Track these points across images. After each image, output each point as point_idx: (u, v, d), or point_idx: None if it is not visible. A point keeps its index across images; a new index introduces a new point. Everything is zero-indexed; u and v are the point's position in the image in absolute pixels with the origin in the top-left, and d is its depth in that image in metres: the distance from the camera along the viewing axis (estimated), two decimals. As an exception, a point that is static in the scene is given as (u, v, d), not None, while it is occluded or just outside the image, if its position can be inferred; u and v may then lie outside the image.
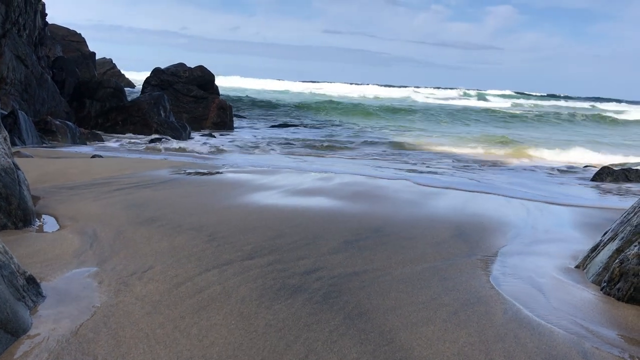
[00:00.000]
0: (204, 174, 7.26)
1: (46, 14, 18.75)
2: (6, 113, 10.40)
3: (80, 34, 33.26)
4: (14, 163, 4.16)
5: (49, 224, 4.31)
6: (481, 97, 66.35)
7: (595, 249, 3.97)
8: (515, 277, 3.68)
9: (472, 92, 72.96)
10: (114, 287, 3.02)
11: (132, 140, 13.63)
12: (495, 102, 56.20)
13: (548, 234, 5.04)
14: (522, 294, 3.34)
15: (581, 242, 4.70)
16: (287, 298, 2.99)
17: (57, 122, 12.06)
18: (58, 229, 4.15)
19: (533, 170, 11.78)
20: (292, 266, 3.50)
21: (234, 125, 20.20)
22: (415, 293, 3.20)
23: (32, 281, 2.80)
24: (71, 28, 33.23)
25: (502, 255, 4.17)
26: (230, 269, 3.36)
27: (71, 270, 3.23)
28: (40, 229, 4.13)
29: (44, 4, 18.65)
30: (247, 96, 37.74)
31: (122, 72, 43.97)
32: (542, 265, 4.00)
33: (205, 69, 20.37)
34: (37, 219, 4.28)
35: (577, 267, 3.97)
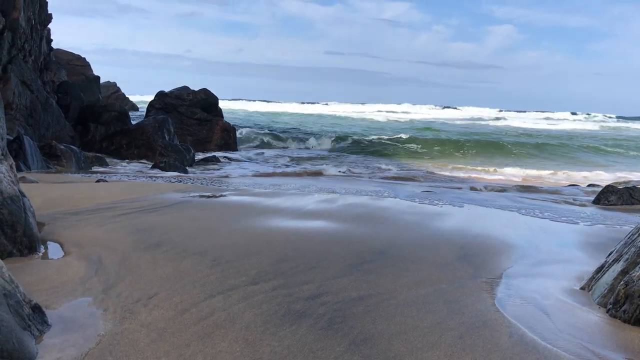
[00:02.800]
0: (208, 197, 7.28)
1: (51, 40, 19.00)
2: (12, 138, 10.48)
3: (84, 58, 33.66)
4: (19, 190, 4.19)
5: (54, 250, 4.33)
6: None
7: (600, 270, 3.97)
8: (520, 299, 3.67)
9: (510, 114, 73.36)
10: (120, 314, 3.03)
11: (139, 168, 13.70)
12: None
13: (552, 255, 5.03)
14: (527, 317, 3.33)
15: (586, 262, 4.69)
16: (292, 324, 2.99)
17: (62, 147, 12.14)
18: (63, 256, 4.17)
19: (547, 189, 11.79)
20: (297, 291, 3.50)
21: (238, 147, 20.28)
22: (421, 317, 3.20)
23: (37, 310, 2.81)
24: (76, 52, 33.61)
25: (507, 277, 4.16)
26: (235, 294, 3.36)
27: (77, 298, 3.24)
28: (46, 256, 4.15)
29: (49, 30, 18.90)
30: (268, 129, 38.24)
31: (127, 95, 44.38)
32: (547, 286, 3.99)
33: (209, 91, 20.55)
34: (42, 246, 4.30)
35: (582, 288, 3.96)
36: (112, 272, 3.74)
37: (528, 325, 3.18)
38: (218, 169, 14.82)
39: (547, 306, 3.56)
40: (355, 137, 27.57)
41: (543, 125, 53.81)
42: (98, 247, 4.35)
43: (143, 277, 3.64)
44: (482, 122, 54.02)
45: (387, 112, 70.60)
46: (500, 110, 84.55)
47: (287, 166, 16.12)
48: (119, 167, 13.34)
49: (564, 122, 61.20)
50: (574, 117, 74.87)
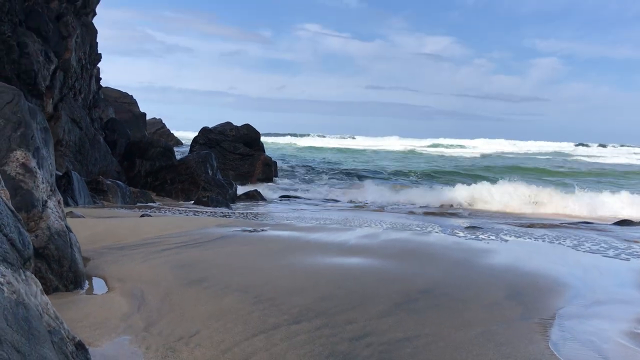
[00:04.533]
0: (250, 231, 7.27)
1: (100, 78, 19.67)
2: (61, 174, 10.78)
3: (131, 96, 34.69)
4: (66, 225, 4.25)
5: (99, 285, 4.35)
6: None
7: (662, 312, 3.74)
8: (576, 342, 3.48)
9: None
10: (162, 352, 2.99)
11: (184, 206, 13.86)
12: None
13: (608, 295, 4.79)
14: (585, 362, 3.15)
15: (645, 303, 4.44)
16: (336, 366, 2.89)
17: (109, 182, 12.41)
18: (107, 291, 4.18)
19: (589, 223, 11.39)
20: (341, 331, 3.40)
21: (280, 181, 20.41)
22: (471, 360, 3.05)
23: (81, 347, 2.79)
24: (124, 90, 34.70)
25: (561, 318, 3.97)
26: (277, 333, 3.29)
27: (119, 335, 3.22)
28: (90, 291, 4.17)
29: (99, 69, 19.60)
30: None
31: (172, 131, 45.42)
32: (604, 329, 3.78)
33: (251, 127, 20.85)
34: (87, 281, 4.33)
35: (643, 331, 3.73)
36: (154, 309, 3.72)
37: (587, 371, 2.99)
38: (260, 204, 14.90)
39: (607, 350, 3.36)
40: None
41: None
42: (141, 283, 4.35)
43: (185, 315, 3.61)
44: (572, 157, 52.48)
45: (454, 146, 69.41)
46: (577, 145, 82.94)
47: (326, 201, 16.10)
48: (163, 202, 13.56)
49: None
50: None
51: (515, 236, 8.58)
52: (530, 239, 8.40)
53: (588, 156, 54.57)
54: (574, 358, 3.18)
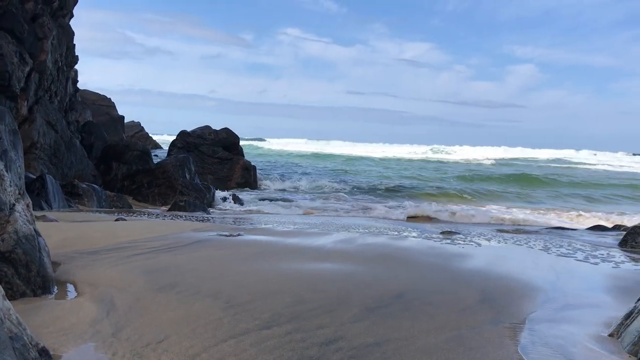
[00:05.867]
0: (226, 236, 7.23)
1: (77, 81, 19.45)
2: (34, 177, 10.62)
3: (110, 99, 34.39)
4: (35, 229, 4.18)
5: (68, 290, 4.28)
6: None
7: (629, 316, 3.79)
8: (545, 346, 3.51)
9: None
10: (128, 358, 2.95)
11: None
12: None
13: (579, 299, 4.85)
14: (553, 366, 3.18)
15: (614, 307, 4.50)
16: (305, 371, 2.88)
17: (84, 186, 12.26)
18: (76, 296, 4.12)
19: (563, 229, 11.53)
20: (311, 336, 3.38)
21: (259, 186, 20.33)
22: (440, 365, 3.06)
23: (44, 353, 2.74)
24: (103, 93, 34.38)
25: (531, 322, 4.00)
26: (247, 339, 3.26)
27: (86, 341, 3.17)
28: (59, 297, 4.10)
29: (76, 71, 19.38)
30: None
31: (151, 134, 45.13)
32: (573, 333, 3.82)
33: (230, 131, 20.77)
34: (56, 286, 4.26)
35: (610, 335, 3.78)
36: (124, 314, 3.67)
37: (554, 375, 3.02)
38: (238, 208, 14.83)
39: (574, 354, 3.39)
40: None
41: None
42: (111, 288, 4.29)
43: (154, 320, 3.57)
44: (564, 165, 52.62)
45: (435, 151, 69.00)
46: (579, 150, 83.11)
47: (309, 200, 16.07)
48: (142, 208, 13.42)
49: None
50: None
51: (490, 240, 8.65)
52: (504, 242, 8.48)
53: (609, 164, 55.02)
54: (542, 362, 3.20)
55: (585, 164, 55.05)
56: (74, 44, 17.27)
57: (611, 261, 7.01)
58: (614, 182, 30.89)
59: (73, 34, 16.89)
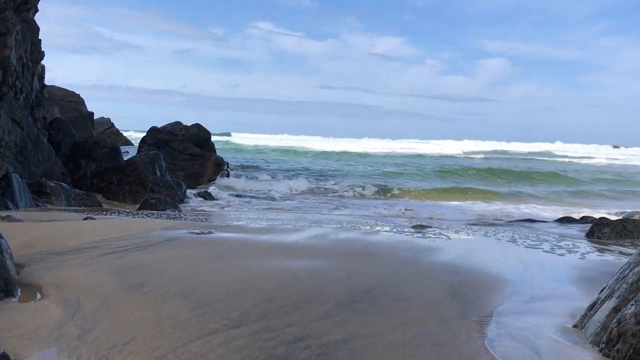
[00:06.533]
0: (197, 234, 7.17)
1: (44, 77, 19.06)
2: None
3: (78, 95, 33.78)
4: (-3, 231, 4.09)
5: (32, 293, 4.20)
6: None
7: (592, 307, 3.87)
8: (511, 338, 3.56)
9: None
10: (93, 361, 2.91)
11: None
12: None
13: (546, 291, 4.93)
14: (518, 358, 3.23)
15: (579, 298, 4.59)
16: (273, 370, 2.87)
17: (52, 184, 12.04)
18: (40, 299, 4.04)
19: (530, 221, 11.72)
20: (280, 334, 3.38)
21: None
22: (407, 360, 3.08)
23: (4, 358, 2.69)
24: (72, 89, 33.74)
25: (498, 315, 4.05)
26: (215, 339, 3.24)
27: (49, 345, 3.12)
28: (22, 300, 4.02)
29: (43, 67, 18.99)
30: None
31: (122, 131, 44.49)
32: (539, 324, 3.89)
33: (202, 126, 20.59)
34: (19, 289, 4.17)
35: (575, 326, 3.85)
36: (90, 316, 3.62)
37: (519, 367, 3.06)
38: (210, 204, 14.73)
39: (539, 346, 3.45)
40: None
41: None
42: (78, 289, 4.22)
43: (121, 321, 3.52)
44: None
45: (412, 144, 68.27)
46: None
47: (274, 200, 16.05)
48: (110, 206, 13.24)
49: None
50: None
51: (459, 233, 8.75)
52: (474, 235, 8.58)
53: (590, 157, 55.40)
54: (508, 355, 3.25)
55: (570, 157, 55.58)
56: (40, 39, 16.90)
57: (577, 252, 7.14)
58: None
59: (38, 29, 16.52)
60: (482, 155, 50.12)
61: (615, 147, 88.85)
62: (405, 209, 14.83)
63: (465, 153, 54.13)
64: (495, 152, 58.99)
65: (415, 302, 4.25)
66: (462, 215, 14.37)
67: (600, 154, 63.82)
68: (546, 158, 52.13)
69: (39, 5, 16.99)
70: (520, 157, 52.99)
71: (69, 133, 17.75)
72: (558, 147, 77.51)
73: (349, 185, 21.14)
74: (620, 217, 11.10)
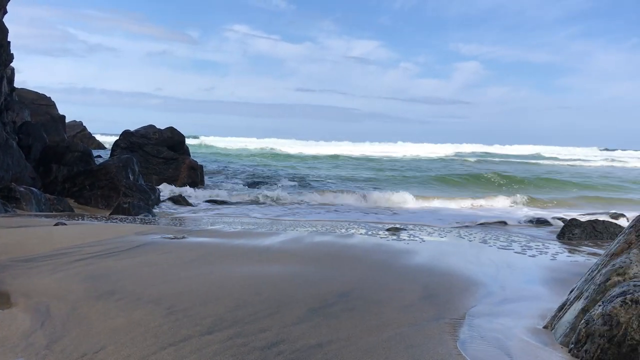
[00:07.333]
0: (170, 239, 7.10)
1: (13, 79, 18.70)
2: (-33, 181, 10.15)
3: (49, 98, 33.15)
4: (-37, 239, 4.00)
5: (0, 301, 4.11)
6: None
7: (562, 308, 3.93)
8: (482, 340, 3.60)
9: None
10: (63, 371, 2.86)
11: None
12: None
13: (517, 292, 4.99)
14: (489, 359, 3.26)
15: (550, 299, 4.66)
16: (246, 376, 2.86)
17: (22, 189, 11.81)
18: (8, 308, 3.96)
19: (502, 222, 11.86)
20: (253, 340, 3.36)
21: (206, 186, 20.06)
22: (380, 364, 3.09)
23: (-29, 370, 2.63)
24: (44, 92, 33.14)
25: (470, 317, 4.10)
26: (187, 345, 3.21)
27: (17, 355, 3.06)
28: (-10, 308, 3.94)
29: (12, 70, 18.62)
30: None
31: (95, 134, 43.86)
32: (510, 326, 3.94)
33: (175, 130, 20.41)
34: (-13, 297, 4.08)
35: (545, 327, 3.91)
36: (59, 325, 3.56)
37: (490, 369, 3.10)
38: (184, 209, 14.60)
39: (510, 347, 3.49)
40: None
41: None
42: (48, 297, 4.15)
43: (92, 329, 3.47)
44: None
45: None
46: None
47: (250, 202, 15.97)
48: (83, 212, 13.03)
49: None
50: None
51: (432, 235, 8.81)
52: (447, 237, 8.66)
53: (582, 160, 55.18)
54: (479, 357, 3.28)
55: (560, 159, 55.62)
56: (9, 42, 16.57)
57: (548, 253, 7.26)
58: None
59: (7, 31, 16.20)
60: (475, 159, 49.70)
61: (602, 150, 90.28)
62: (382, 213, 14.87)
63: (458, 155, 54.03)
64: (483, 154, 58.88)
65: (389, 305, 4.27)
66: (440, 221, 14.48)
67: (586, 156, 64.15)
68: (539, 161, 51.69)
69: (8, 7, 16.67)
70: (512, 160, 52.52)
71: (39, 137, 17.43)
72: (542, 150, 78.24)
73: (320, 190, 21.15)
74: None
